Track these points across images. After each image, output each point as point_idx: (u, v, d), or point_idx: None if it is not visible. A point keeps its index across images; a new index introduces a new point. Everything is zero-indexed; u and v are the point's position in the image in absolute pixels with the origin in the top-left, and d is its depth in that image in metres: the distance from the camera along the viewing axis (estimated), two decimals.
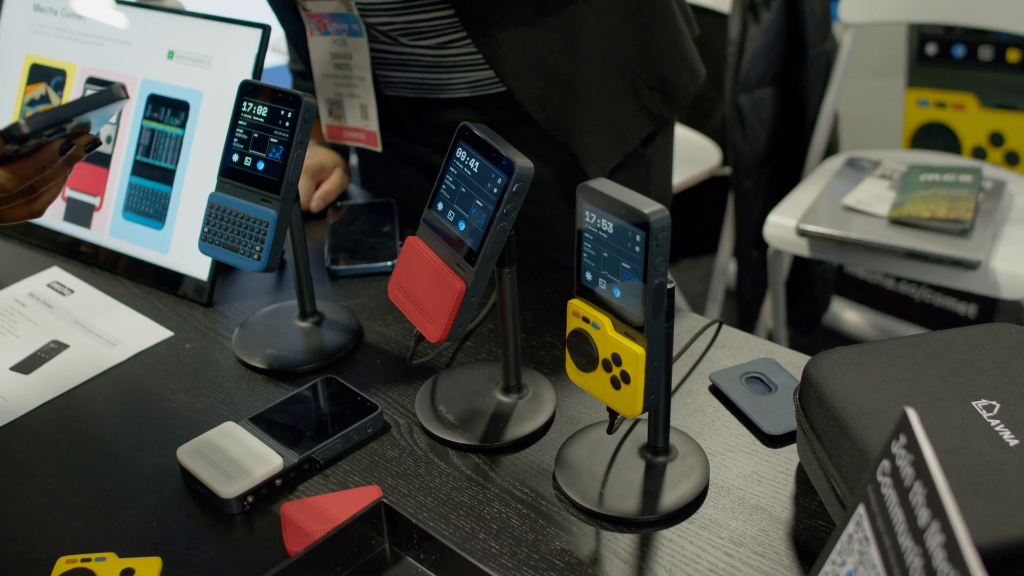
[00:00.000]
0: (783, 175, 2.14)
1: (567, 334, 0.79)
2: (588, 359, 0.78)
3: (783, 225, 1.77)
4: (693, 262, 2.82)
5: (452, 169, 0.85)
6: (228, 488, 0.83)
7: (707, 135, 2.28)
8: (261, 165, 0.96)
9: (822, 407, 0.78)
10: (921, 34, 2.31)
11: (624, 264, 0.73)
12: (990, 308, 2.34)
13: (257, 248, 0.96)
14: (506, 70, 1.11)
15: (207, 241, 0.99)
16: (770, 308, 2.15)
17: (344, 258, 1.20)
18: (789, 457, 0.86)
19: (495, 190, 0.80)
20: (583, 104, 1.15)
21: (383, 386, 0.98)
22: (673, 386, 0.96)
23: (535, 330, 1.05)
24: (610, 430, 0.83)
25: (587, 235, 0.75)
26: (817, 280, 2.27)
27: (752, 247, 2.15)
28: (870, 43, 2.30)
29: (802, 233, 1.71)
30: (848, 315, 2.50)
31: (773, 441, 0.88)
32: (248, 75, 1.12)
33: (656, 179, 1.31)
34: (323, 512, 0.81)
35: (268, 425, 0.90)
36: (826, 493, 0.78)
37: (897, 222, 1.68)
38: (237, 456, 0.86)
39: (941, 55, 2.31)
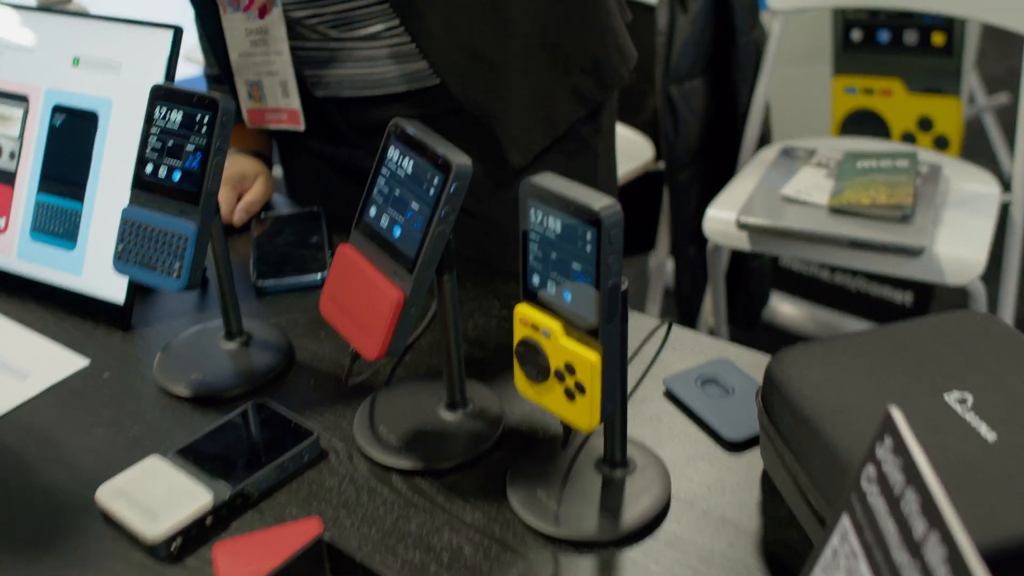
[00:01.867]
0: (717, 168, 2.11)
1: (515, 343, 0.74)
2: (539, 370, 0.73)
3: (722, 219, 1.74)
4: (626, 261, 2.78)
5: (384, 170, 0.79)
6: (154, 530, 0.76)
7: (638, 129, 2.25)
8: (177, 175, 0.89)
9: (787, 408, 0.74)
10: (846, 20, 2.30)
11: (574, 265, 0.68)
12: (927, 296, 2.34)
13: (176, 265, 0.89)
14: (430, 46, 1.06)
15: (122, 260, 0.92)
16: (710, 305, 2.12)
17: (271, 272, 1.13)
18: (753, 463, 0.82)
19: (431, 191, 0.75)
20: (508, 84, 1.11)
21: (319, 409, 0.92)
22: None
23: (477, 340, 1.00)
24: (564, 444, 0.78)
25: (533, 235, 0.70)
26: (755, 274, 2.25)
27: (690, 243, 2.12)
28: (797, 31, 2.29)
29: (743, 226, 1.67)
30: (786, 308, 2.49)
31: (735, 447, 0.84)
32: (160, 80, 1.05)
33: (603, 172, 1.27)
34: (259, 551, 0.75)
35: (196, 457, 0.84)
36: (796, 500, 0.74)
37: (837, 211, 1.65)
38: (163, 494, 0.79)
39: (867, 41, 2.31)
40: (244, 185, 1.26)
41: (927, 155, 1.88)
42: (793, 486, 0.73)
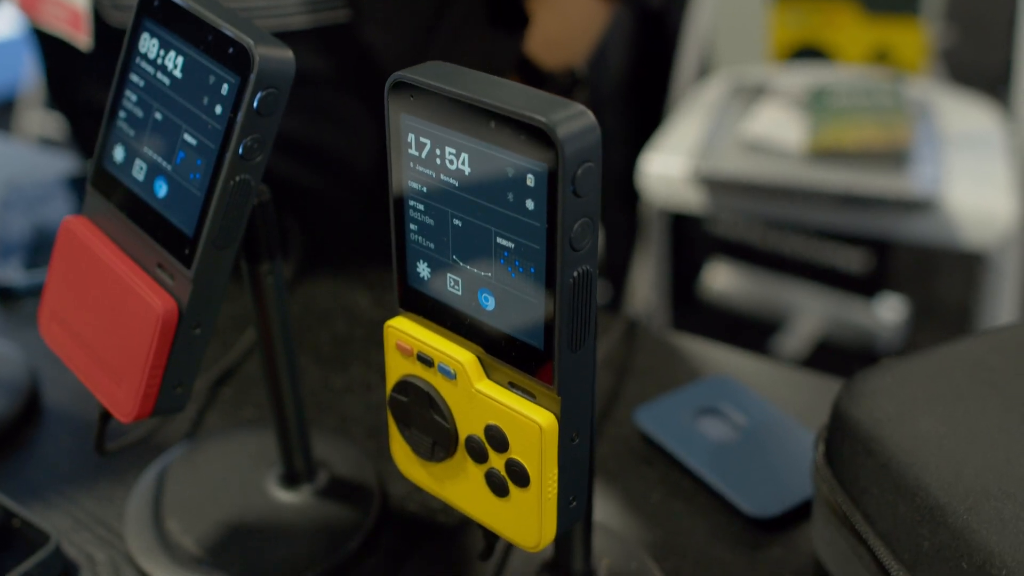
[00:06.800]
0: (649, 109, 1.81)
1: (388, 389, 0.42)
2: (437, 438, 0.41)
3: (665, 173, 1.43)
4: None
5: (134, 77, 0.46)
6: None
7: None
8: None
9: (888, 479, 0.43)
10: None
11: (500, 237, 0.36)
12: (884, 260, 2.08)
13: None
14: None
15: None
16: (646, 279, 1.82)
17: (20, 263, 0.80)
18: (791, 557, 0.52)
19: (218, 107, 0.42)
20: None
21: (71, 488, 0.59)
22: None
23: (336, 361, 0.68)
24: (484, 555, 0.46)
25: (413, 185, 0.38)
26: (697, 238, 1.96)
27: (621, 202, 1.82)
28: None
29: (703, 180, 1.36)
30: (723, 279, 2.21)
31: (760, 529, 0.54)
32: None
33: None
34: None
35: None
36: None
37: (817, 156, 1.35)
38: None
39: None
40: None
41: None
42: None
